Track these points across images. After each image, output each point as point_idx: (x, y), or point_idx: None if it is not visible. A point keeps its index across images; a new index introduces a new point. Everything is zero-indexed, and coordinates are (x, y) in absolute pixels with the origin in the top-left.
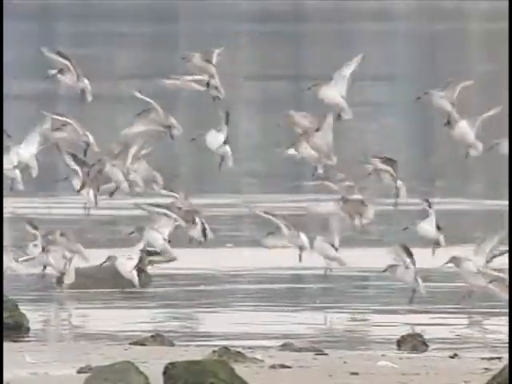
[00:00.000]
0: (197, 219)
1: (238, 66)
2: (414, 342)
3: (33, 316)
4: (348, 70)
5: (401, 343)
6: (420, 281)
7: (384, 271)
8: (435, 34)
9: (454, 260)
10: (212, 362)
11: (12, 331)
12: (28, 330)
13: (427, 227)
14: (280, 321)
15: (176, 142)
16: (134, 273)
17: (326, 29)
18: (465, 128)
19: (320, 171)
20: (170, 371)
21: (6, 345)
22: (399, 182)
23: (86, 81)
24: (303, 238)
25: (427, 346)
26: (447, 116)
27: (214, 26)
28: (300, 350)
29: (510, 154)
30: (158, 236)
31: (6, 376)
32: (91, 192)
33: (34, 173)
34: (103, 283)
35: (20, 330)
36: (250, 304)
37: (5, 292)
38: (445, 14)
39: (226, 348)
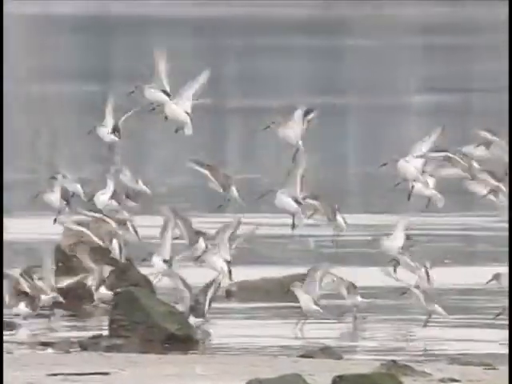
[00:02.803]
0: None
1: (405, 79)
2: None
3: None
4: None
5: None
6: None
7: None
8: None
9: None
10: (381, 375)
11: (182, 343)
12: (197, 342)
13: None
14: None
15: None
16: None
17: (495, 41)
18: None
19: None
20: None
21: (177, 357)
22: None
23: None
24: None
25: None
26: None
27: (383, 39)
28: (468, 363)
29: (509, 155)
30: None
31: None
32: None
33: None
34: (271, 295)
35: (190, 342)
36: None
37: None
38: None
39: (393, 361)
